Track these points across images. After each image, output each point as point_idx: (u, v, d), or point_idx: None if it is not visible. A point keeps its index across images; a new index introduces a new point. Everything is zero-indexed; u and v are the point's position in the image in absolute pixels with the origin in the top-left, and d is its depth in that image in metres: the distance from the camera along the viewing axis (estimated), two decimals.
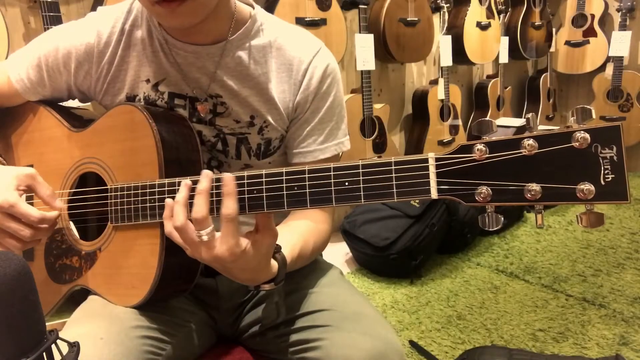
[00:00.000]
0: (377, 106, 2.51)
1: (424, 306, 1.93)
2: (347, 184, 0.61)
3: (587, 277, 2.08)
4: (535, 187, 0.53)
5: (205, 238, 0.63)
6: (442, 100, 2.86)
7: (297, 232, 0.83)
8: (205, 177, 0.66)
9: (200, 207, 0.63)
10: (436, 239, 2.22)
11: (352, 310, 0.81)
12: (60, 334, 0.50)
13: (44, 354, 0.47)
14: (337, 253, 2.39)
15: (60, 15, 1.54)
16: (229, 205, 0.63)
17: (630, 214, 2.76)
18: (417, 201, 2.18)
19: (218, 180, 0.67)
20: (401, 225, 2.13)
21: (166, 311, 0.83)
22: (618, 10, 3.23)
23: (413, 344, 1.67)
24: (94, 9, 1.70)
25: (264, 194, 0.64)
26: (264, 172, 0.65)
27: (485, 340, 1.69)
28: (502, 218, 0.57)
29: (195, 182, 0.67)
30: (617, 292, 1.95)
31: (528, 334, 1.71)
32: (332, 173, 0.61)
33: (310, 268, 0.91)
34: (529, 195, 0.53)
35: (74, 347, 0.52)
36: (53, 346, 0.49)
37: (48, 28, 1.52)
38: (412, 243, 2.09)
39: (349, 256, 2.36)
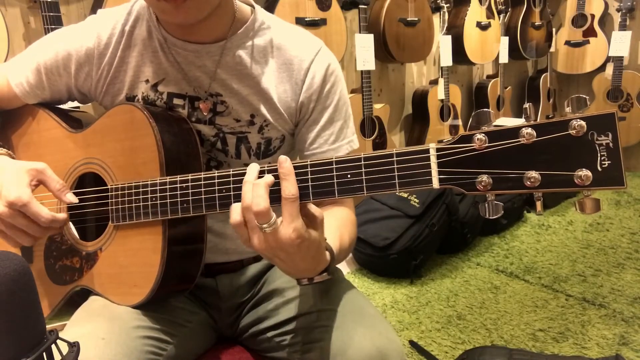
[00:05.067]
0: (377, 106, 2.51)
1: (424, 306, 1.93)
2: (349, 176, 0.62)
3: (587, 277, 2.09)
4: (534, 174, 0.54)
5: (268, 230, 0.61)
6: (442, 100, 2.86)
7: (332, 226, 0.80)
8: (254, 168, 0.64)
9: (261, 198, 0.61)
10: (436, 239, 2.22)
11: (352, 310, 0.81)
12: (61, 335, 0.50)
13: (44, 354, 0.47)
14: None
15: (60, 15, 1.54)
16: (289, 187, 0.62)
17: (630, 214, 2.76)
18: (417, 201, 2.18)
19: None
20: (401, 225, 2.12)
21: (167, 311, 0.83)
22: (618, 10, 3.23)
23: (413, 344, 1.67)
24: (94, 9, 1.70)
25: (270, 188, 0.64)
26: (266, 167, 0.65)
27: (485, 340, 1.69)
28: (502, 205, 0.58)
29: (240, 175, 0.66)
30: (617, 292, 1.95)
31: (528, 334, 1.71)
32: (334, 166, 0.62)
33: None
34: (528, 182, 0.54)
35: (74, 347, 0.52)
36: (53, 346, 0.49)
37: (48, 28, 1.52)
38: (412, 243, 2.09)
39: (349, 256, 2.36)
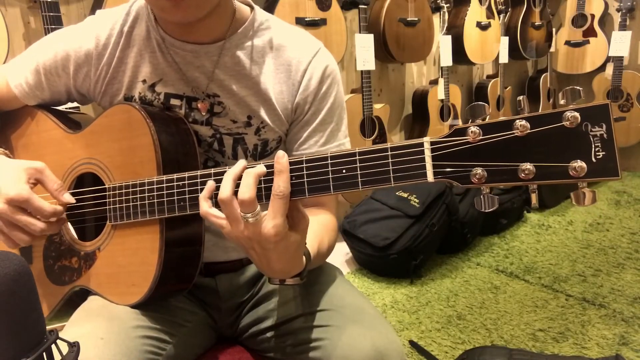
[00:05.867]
0: (377, 106, 2.51)
1: (424, 306, 1.93)
2: (344, 171, 0.62)
3: (587, 277, 2.08)
4: (528, 166, 0.54)
5: (251, 220, 0.61)
6: (442, 100, 2.86)
7: (311, 230, 0.80)
8: (259, 164, 0.65)
9: (248, 187, 0.61)
10: (436, 239, 2.22)
11: (352, 310, 0.81)
12: (61, 335, 0.50)
13: (44, 354, 0.47)
14: (337, 253, 2.39)
15: (60, 15, 1.54)
16: (280, 183, 0.61)
17: (630, 214, 2.76)
18: (417, 201, 2.18)
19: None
20: (401, 225, 2.12)
21: (166, 311, 0.83)
22: (618, 10, 3.23)
23: (413, 344, 1.67)
24: (93, 9, 1.70)
25: (262, 185, 0.65)
26: (262, 163, 0.65)
27: (485, 340, 1.69)
28: (497, 198, 0.58)
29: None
30: (617, 292, 1.95)
31: (528, 334, 1.71)
32: (329, 162, 0.62)
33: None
34: (522, 175, 0.54)
35: (74, 347, 0.52)
36: (53, 346, 0.49)
37: (48, 28, 1.52)
38: (412, 243, 2.09)
39: (349, 256, 2.36)
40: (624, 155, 3.43)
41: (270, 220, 0.61)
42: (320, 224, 0.84)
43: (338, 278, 0.92)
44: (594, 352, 1.59)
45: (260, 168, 0.64)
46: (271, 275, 0.70)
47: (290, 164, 0.63)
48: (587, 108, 0.52)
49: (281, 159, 0.63)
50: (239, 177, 0.63)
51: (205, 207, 0.66)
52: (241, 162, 0.65)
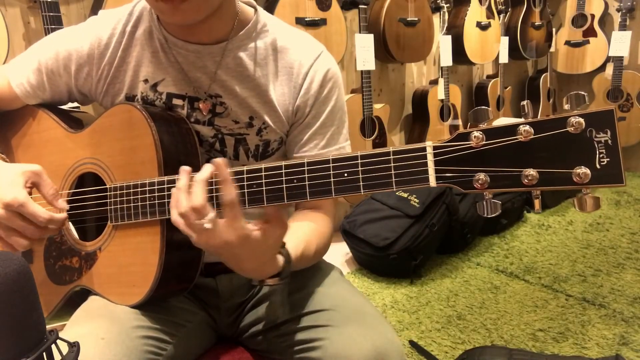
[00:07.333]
0: (377, 106, 2.51)
1: (424, 306, 1.93)
2: (346, 174, 0.62)
3: (587, 277, 2.08)
4: (532, 172, 0.53)
5: (207, 226, 0.63)
6: (442, 100, 2.86)
7: (300, 232, 0.82)
8: (206, 167, 0.67)
9: (197, 195, 0.64)
10: (436, 239, 2.22)
11: (352, 310, 0.81)
12: (61, 334, 0.50)
13: (44, 354, 0.47)
14: (337, 253, 2.39)
15: (60, 15, 1.54)
16: (227, 192, 0.63)
17: (630, 214, 2.76)
18: (417, 201, 2.18)
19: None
20: (401, 225, 2.12)
21: (167, 311, 0.83)
22: (618, 10, 3.23)
23: (413, 344, 1.67)
24: (94, 9, 1.70)
25: (264, 188, 0.65)
26: (263, 165, 0.65)
27: (485, 340, 1.69)
28: (500, 203, 0.58)
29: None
30: (617, 292, 1.95)
31: (528, 334, 1.71)
32: (331, 165, 0.62)
33: (310, 268, 0.91)
34: (525, 180, 0.54)
35: (74, 347, 0.52)
36: (53, 346, 0.49)
37: (48, 28, 1.52)
38: (412, 243, 2.09)
39: (349, 256, 2.36)
40: (624, 155, 3.42)
41: (229, 226, 0.63)
42: (311, 228, 0.84)
43: (338, 278, 0.92)
44: (594, 352, 1.59)
45: (204, 173, 0.66)
46: (244, 274, 0.71)
47: (292, 166, 0.64)
48: (591, 114, 0.51)
49: (221, 167, 0.64)
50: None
51: (175, 215, 0.68)
52: (185, 171, 0.68)
